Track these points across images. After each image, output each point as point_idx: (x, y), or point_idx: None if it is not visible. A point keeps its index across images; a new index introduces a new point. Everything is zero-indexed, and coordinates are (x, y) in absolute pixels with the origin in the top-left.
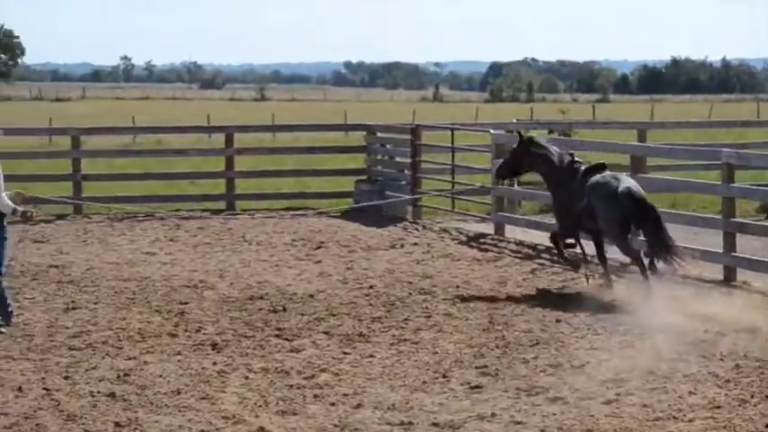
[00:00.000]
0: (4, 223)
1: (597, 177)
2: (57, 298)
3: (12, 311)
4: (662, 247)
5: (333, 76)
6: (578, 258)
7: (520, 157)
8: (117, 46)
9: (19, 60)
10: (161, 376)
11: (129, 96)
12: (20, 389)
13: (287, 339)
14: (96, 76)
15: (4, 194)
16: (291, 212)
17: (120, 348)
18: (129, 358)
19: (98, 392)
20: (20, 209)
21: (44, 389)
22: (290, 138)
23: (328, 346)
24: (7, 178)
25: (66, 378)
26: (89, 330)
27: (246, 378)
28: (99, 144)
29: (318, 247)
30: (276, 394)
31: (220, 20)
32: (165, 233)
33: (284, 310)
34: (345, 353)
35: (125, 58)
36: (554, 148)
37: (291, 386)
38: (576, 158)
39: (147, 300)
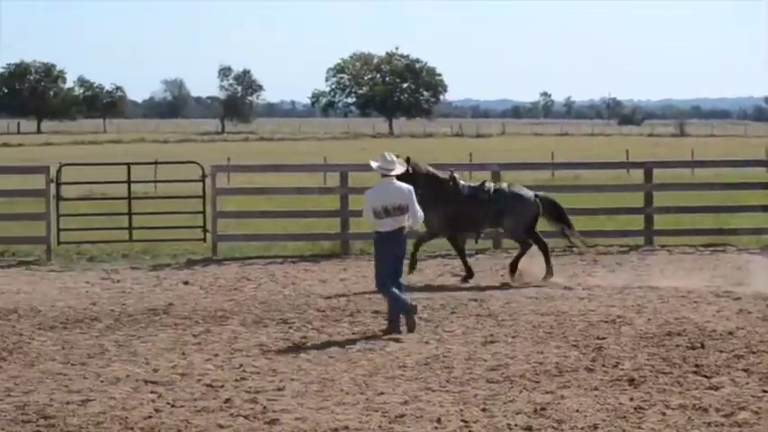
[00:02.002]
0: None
1: (509, 187)
2: (475, 331)
3: (410, 304)
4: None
5: (754, 110)
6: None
7: None
8: (537, 82)
9: (441, 97)
10: (578, 411)
11: (547, 132)
12: (438, 420)
13: (705, 376)
14: (516, 112)
15: (418, 208)
16: (711, 248)
17: (538, 382)
18: (547, 392)
19: (515, 425)
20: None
21: (462, 421)
22: (709, 174)
23: (747, 383)
24: None
25: (483, 410)
26: (507, 363)
27: (664, 414)
28: (519, 179)
29: (738, 284)
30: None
31: (639, 56)
32: (582, 268)
33: (702, 346)
34: (765, 391)
35: (545, 94)
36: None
37: (710, 423)
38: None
39: (564, 334)
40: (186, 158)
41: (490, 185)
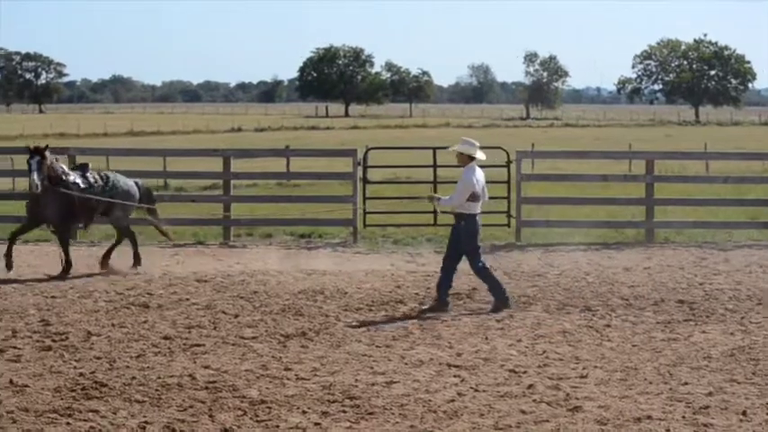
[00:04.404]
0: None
1: (114, 175)
2: None
3: (508, 297)
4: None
5: None
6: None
7: None
8: None
9: (749, 86)
10: None
11: None
12: (744, 413)
13: None
14: None
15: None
16: None
17: None
18: None
19: None
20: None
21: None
22: None
23: None
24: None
25: None
26: None
27: None
28: None
29: None
30: None
31: None
32: None
33: None
34: None
35: None
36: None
37: None
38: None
39: None
40: (491, 144)
41: (104, 174)
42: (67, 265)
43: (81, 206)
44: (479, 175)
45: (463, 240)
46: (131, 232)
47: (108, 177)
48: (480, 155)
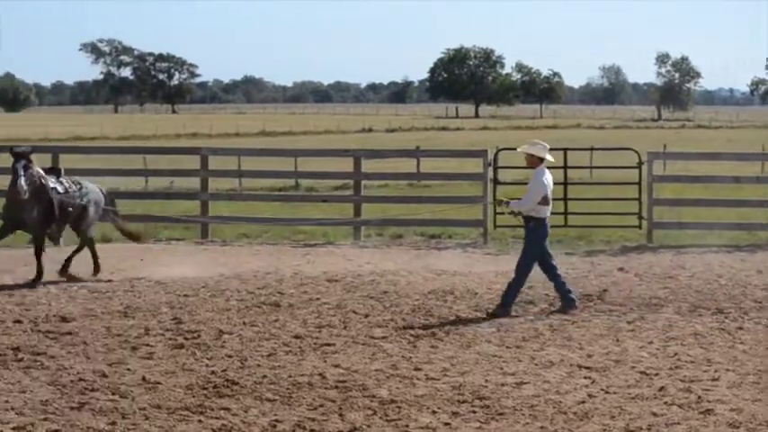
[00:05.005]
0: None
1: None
2: None
3: (573, 298)
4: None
5: None
6: None
7: None
8: None
9: None
10: None
11: None
12: None
13: None
14: None
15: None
16: None
17: None
18: None
19: None
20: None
21: None
22: None
23: None
24: None
25: None
26: None
27: None
28: None
29: None
30: None
31: None
32: None
33: None
34: None
35: None
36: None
37: None
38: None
39: None
40: (622, 145)
41: (75, 180)
42: (39, 274)
43: (60, 212)
44: (549, 177)
45: (530, 242)
46: (92, 239)
47: (80, 183)
48: (549, 157)
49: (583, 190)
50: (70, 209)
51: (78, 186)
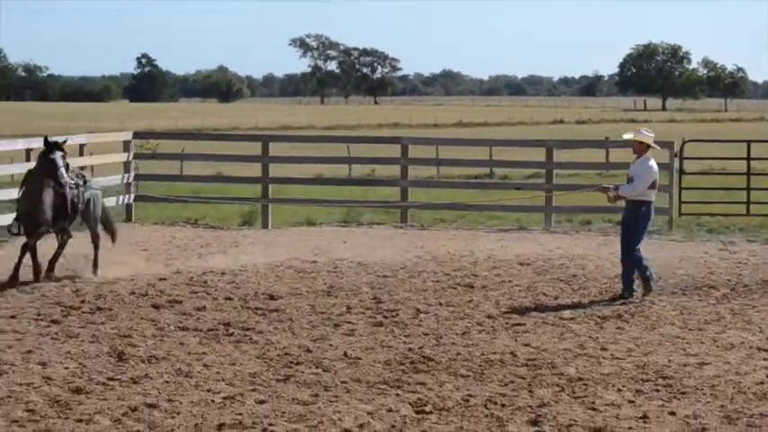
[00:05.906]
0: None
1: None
2: None
3: (650, 275)
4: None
5: None
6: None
7: None
8: None
9: None
10: None
11: None
12: None
13: None
14: None
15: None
16: None
17: None
18: None
19: None
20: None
21: None
22: None
23: None
24: None
25: None
26: None
27: None
28: None
29: None
30: None
31: None
32: None
33: None
34: None
35: None
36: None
37: None
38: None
39: None
40: None
41: (80, 173)
42: (36, 269)
43: (72, 207)
44: (654, 164)
45: (640, 225)
46: (97, 235)
47: (84, 177)
48: (655, 145)
49: (765, 180)
50: (80, 204)
51: (84, 181)
